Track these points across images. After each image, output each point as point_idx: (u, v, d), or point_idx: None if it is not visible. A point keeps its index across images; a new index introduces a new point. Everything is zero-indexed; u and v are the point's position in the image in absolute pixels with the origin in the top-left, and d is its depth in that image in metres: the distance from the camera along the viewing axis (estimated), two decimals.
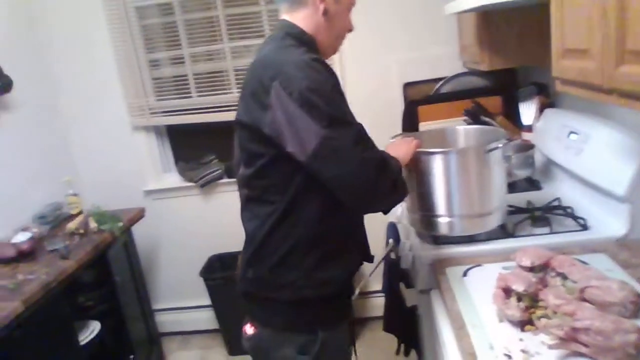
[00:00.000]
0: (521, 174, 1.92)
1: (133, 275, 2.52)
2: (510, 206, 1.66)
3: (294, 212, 1.20)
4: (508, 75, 2.43)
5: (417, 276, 1.56)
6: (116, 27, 2.68)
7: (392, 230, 1.90)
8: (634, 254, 1.35)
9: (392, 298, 1.74)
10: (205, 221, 2.85)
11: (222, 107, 2.71)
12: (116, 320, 2.32)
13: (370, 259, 1.43)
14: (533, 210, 1.65)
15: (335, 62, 2.67)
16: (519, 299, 1.09)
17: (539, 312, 1.07)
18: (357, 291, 1.94)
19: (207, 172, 2.73)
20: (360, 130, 1.18)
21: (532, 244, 1.46)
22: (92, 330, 2.18)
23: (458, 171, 1.48)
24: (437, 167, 1.48)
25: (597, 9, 0.99)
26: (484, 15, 2.01)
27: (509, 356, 0.98)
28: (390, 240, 1.86)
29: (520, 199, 1.76)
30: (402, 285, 1.69)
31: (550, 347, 0.96)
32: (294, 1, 1.25)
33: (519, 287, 1.08)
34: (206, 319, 2.87)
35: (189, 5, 2.67)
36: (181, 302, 2.97)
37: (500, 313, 1.11)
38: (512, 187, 1.92)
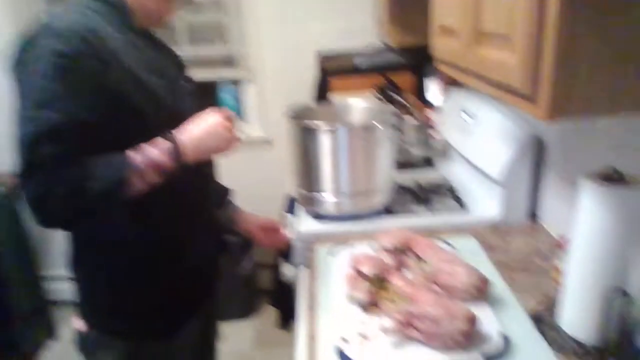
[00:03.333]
0: (418, 152, 1.90)
1: (18, 242, 2.35)
2: (398, 185, 1.64)
3: None
4: (421, 52, 2.39)
5: (295, 252, 1.52)
6: None
7: (289, 203, 1.85)
8: (501, 237, 1.35)
9: (274, 271, 1.70)
10: None
11: None
12: None
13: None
14: (418, 190, 1.63)
15: (249, 25, 2.56)
16: (368, 281, 1.06)
17: (385, 296, 1.04)
18: (245, 265, 1.90)
19: None
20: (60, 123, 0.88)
21: (410, 225, 1.44)
22: None
23: (343, 148, 1.42)
24: (322, 143, 1.42)
25: None
26: None
27: (346, 340, 0.95)
28: (285, 213, 1.82)
29: (411, 178, 1.74)
30: (283, 260, 1.64)
31: (384, 332, 0.93)
32: None
33: (366, 269, 1.04)
34: None
35: None
36: None
37: (350, 295, 1.07)
38: (408, 165, 1.90)
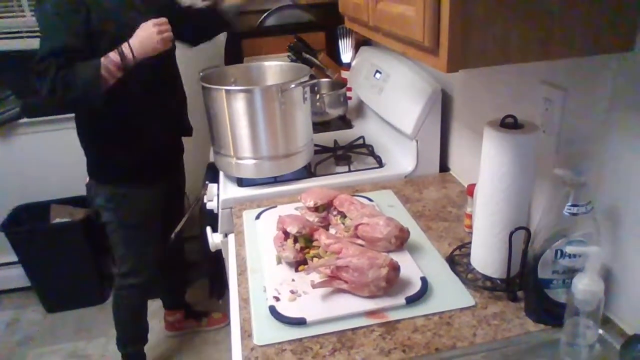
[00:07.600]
0: (334, 112, 1.93)
1: None
2: (317, 145, 1.66)
3: None
4: (331, 10, 2.39)
5: (220, 220, 1.51)
6: None
7: (211, 171, 1.82)
8: (416, 189, 1.43)
9: (202, 242, 1.69)
10: (5, 168, 2.51)
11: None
12: None
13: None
14: (337, 149, 1.67)
15: None
16: (295, 240, 1.09)
17: (312, 252, 1.08)
18: (173, 234, 1.86)
19: (1, 111, 2.35)
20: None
21: (331, 183, 1.49)
22: None
23: (260, 111, 1.41)
24: (238, 106, 1.40)
25: None
26: None
27: (278, 298, 0.98)
28: (207, 183, 1.79)
29: (329, 138, 1.77)
30: (210, 229, 1.63)
31: (313, 286, 0.97)
32: None
33: (292, 229, 1.07)
34: (16, 276, 2.58)
35: None
36: None
37: (279, 255, 1.10)
38: (325, 125, 1.94)
